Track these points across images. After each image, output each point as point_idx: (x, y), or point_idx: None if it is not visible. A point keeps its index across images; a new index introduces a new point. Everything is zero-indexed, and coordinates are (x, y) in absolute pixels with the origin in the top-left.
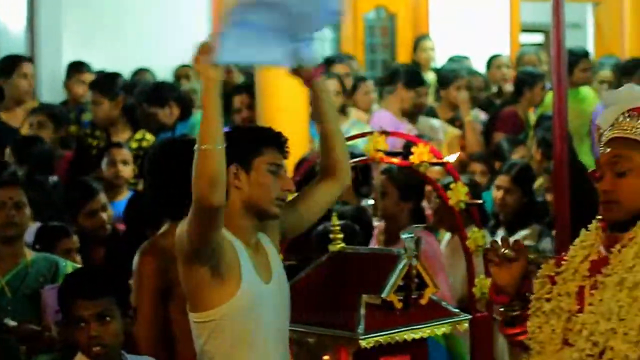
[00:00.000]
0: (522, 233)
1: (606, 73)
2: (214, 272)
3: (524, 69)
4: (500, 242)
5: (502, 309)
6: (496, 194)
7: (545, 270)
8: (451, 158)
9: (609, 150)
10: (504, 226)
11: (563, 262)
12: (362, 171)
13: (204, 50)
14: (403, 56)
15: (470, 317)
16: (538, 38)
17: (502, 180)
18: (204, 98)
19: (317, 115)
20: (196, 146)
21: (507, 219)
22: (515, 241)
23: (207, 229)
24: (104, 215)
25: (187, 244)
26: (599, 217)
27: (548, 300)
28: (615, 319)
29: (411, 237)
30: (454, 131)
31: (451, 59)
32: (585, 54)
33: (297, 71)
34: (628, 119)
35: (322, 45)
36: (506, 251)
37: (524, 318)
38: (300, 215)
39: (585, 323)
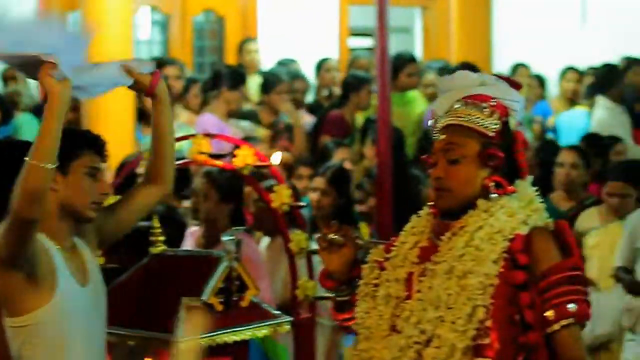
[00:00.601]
0: None
1: (432, 77)
2: (29, 278)
3: (351, 72)
4: (328, 228)
5: (332, 294)
6: (312, 196)
7: (374, 255)
8: (275, 160)
9: (443, 137)
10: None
11: (392, 248)
12: (182, 173)
13: (48, 66)
14: (231, 59)
15: (291, 319)
16: (368, 42)
17: (318, 182)
18: (46, 113)
19: (157, 119)
20: (27, 158)
21: (324, 221)
22: (344, 227)
23: (21, 239)
24: None
25: (1, 251)
26: (431, 203)
27: (376, 285)
28: (443, 307)
29: (232, 239)
30: (263, 132)
31: (279, 63)
32: (411, 58)
33: (136, 84)
34: (463, 106)
35: (150, 48)
36: (334, 237)
37: (354, 303)
38: (120, 219)
39: (413, 310)
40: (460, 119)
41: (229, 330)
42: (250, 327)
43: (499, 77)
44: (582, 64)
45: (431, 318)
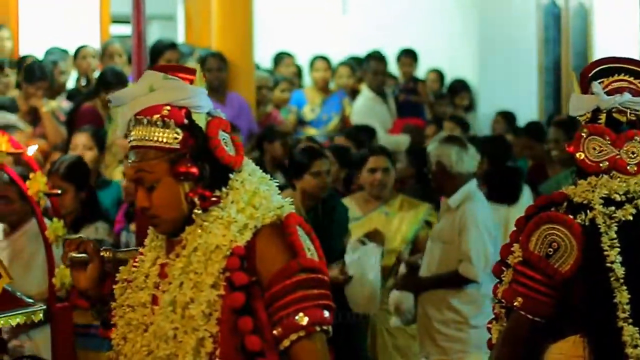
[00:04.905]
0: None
1: (193, 64)
2: None
3: (109, 66)
4: (68, 246)
5: (91, 312)
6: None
7: (122, 273)
8: (30, 150)
9: (132, 161)
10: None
11: (134, 267)
12: None
13: None
14: None
15: (44, 307)
16: (129, 29)
17: (53, 180)
18: None
19: None
20: None
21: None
22: (85, 242)
23: None
24: None
25: None
26: None
27: (131, 307)
28: (172, 342)
29: None
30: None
31: (48, 52)
32: (171, 45)
33: None
34: (138, 125)
35: None
36: (76, 255)
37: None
38: None
39: (149, 344)
40: (138, 140)
41: None
42: (4, 315)
43: (169, 67)
44: (343, 54)
45: (162, 356)
